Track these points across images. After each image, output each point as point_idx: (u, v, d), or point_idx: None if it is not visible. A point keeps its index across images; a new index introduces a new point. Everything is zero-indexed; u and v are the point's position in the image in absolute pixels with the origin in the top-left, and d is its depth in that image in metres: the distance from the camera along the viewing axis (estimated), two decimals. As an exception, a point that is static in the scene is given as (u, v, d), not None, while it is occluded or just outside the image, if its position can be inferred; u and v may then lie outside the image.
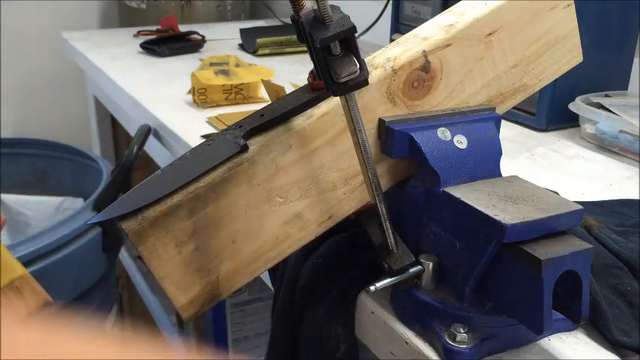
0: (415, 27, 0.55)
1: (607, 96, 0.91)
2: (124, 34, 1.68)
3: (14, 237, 1.24)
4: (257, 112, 0.51)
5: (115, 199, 0.48)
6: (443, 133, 0.49)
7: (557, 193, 0.47)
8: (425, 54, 0.51)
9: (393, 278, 0.47)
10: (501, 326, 0.45)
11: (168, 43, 1.46)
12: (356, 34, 0.41)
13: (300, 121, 0.49)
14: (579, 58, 0.60)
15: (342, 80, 0.41)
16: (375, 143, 0.51)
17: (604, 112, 0.84)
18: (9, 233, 1.27)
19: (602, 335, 0.47)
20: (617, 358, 0.45)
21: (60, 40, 1.68)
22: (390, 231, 0.48)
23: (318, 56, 0.41)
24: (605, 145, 0.85)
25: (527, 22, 0.55)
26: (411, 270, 0.47)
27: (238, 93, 1.06)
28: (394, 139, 0.49)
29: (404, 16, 1.19)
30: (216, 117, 0.97)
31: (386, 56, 0.51)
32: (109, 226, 1.05)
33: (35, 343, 0.22)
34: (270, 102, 0.69)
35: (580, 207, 0.44)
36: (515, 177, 0.49)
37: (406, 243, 0.49)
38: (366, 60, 0.48)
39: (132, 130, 1.30)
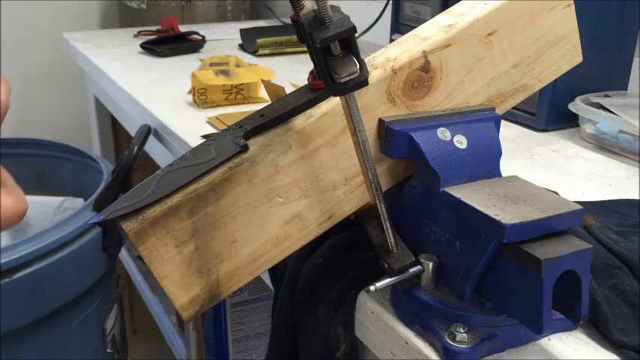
0: (415, 27, 0.55)
1: (607, 96, 0.91)
2: (124, 34, 1.68)
3: (15, 237, 1.24)
4: (257, 112, 0.51)
5: (115, 199, 0.48)
6: (443, 133, 0.49)
7: (556, 193, 0.47)
8: (425, 54, 0.51)
9: (393, 278, 0.47)
10: (501, 326, 0.45)
11: (168, 43, 1.47)
12: (356, 34, 0.41)
13: (300, 121, 0.49)
14: (579, 59, 0.60)
15: (342, 80, 0.41)
16: (375, 143, 0.51)
17: (604, 112, 0.84)
18: (9, 233, 1.27)
19: (602, 335, 0.47)
20: (617, 358, 0.45)
21: (60, 40, 1.68)
22: (390, 231, 0.48)
23: (318, 56, 0.41)
24: (604, 145, 0.85)
25: (527, 22, 0.55)
26: (411, 270, 0.47)
27: (238, 93, 1.06)
28: (394, 139, 0.49)
29: (404, 16, 1.19)
30: (216, 117, 0.97)
31: (386, 56, 0.51)
32: (109, 226, 1.05)
33: None
34: (270, 102, 0.69)
35: (580, 207, 0.44)
36: (515, 177, 0.49)
37: (406, 243, 0.49)
38: (366, 60, 0.48)
39: (132, 130, 1.30)
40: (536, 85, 0.58)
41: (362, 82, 0.42)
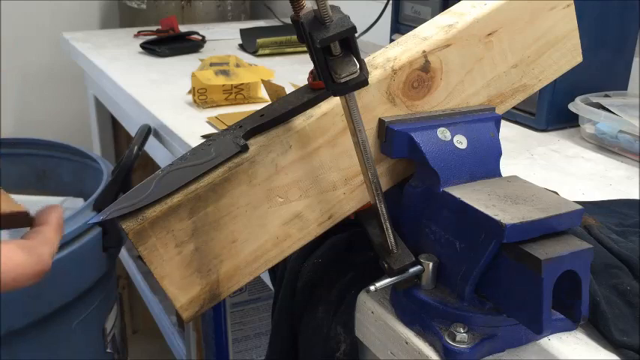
0: (415, 27, 0.55)
1: (607, 96, 0.91)
2: (124, 34, 1.68)
3: (15, 236, 1.24)
4: (257, 112, 0.51)
5: (115, 199, 0.48)
6: (443, 133, 0.49)
7: (556, 193, 0.47)
8: (425, 54, 0.51)
9: (393, 278, 0.47)
10: (501, 326, 0.45)
11: (168, 43, 1.47)
12: (356, 34, 0.41)
13: (300, 121, 0.49)
14: (579, 58, 0.60)
15: (342, 80, 0.41)
16: (375, 143, 0.51)
17: (603, 112, 0.84)
18: (9, 233, 1.27)
19: (602, 335, 0.47)
20: (617, 358, 0.45)
21: (60, 40, 1.68)
22: (390, 231, 0.48)
23: (318, 56, 0.41)
24: (604, 145, 0.85)
25: (527, 22, 0.55)
26: (411, 270, 0.47)
27: (238, 93, 1.06)
28: (394, 139, 0.49)
29: (404, 16, 1.19)
30: (216, 117, 0.97)
31: (386, 56, 0.51)
32: (109, 226, 1.05)
33: None
34: (270, 102, 0.69)
35: (579, 207, 0.44)
36: (515, 177, 0.49)
37: (406, 243, 0.49)
38: (366, 60, 0.48)
39: (132, 130, 1.30)
40: (536, 85, 0.58)
41: (362, 82, 0.42)
